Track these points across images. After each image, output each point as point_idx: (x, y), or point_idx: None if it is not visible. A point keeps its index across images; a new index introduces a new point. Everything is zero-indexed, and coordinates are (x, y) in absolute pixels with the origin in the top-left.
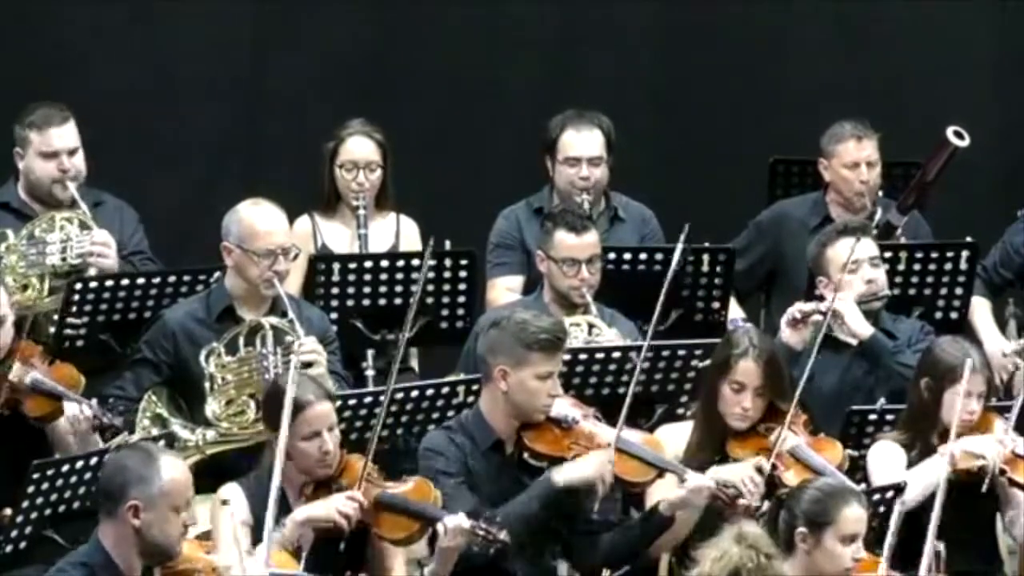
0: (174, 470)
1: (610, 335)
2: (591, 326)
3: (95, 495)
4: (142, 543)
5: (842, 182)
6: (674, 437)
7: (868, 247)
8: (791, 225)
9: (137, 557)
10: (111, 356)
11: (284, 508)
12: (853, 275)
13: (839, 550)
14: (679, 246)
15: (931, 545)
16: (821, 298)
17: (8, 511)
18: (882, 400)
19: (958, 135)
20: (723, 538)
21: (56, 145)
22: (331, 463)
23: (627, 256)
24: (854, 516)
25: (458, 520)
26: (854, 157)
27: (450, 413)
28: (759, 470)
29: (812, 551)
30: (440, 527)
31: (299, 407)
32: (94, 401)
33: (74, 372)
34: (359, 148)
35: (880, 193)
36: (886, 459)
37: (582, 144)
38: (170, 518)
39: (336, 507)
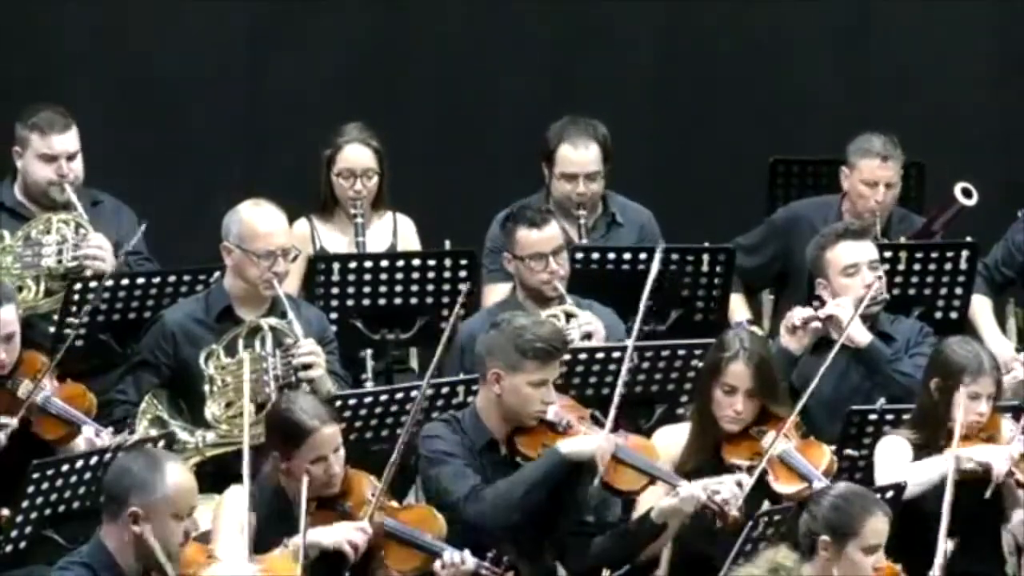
0: (178, 477)
1: (587, 317)
2: (568, 315)
3: (98, 495)
4: (140, 548)
5: (858, 196)
6: (672, 439)
7: (868, 250)
8: (803, 227)
9: (133, 560)
10: (111, 356)
11: (291, 519)
12: (852, 279)
13: (860, 559)
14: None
15: (943, 546)
16: (819, 298)
17: (6, 512)
18: (882, 400)
19: (966, 193)
20: (758, 565)
21: (57, 149)
22: (336, 484)
23: (626, 256)
24: (878, 527)
25: (458, 558)
26: (875, 176)
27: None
28: (739, 484)
29: (833, 559)
30: (438, 563)
31: (305, 433)
32: (110, 429)
33: (86, 394)
34: (356, 156)
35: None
36: (891, 454)
37: (579, 160)
38: (170, 526)
39: (346, 537)
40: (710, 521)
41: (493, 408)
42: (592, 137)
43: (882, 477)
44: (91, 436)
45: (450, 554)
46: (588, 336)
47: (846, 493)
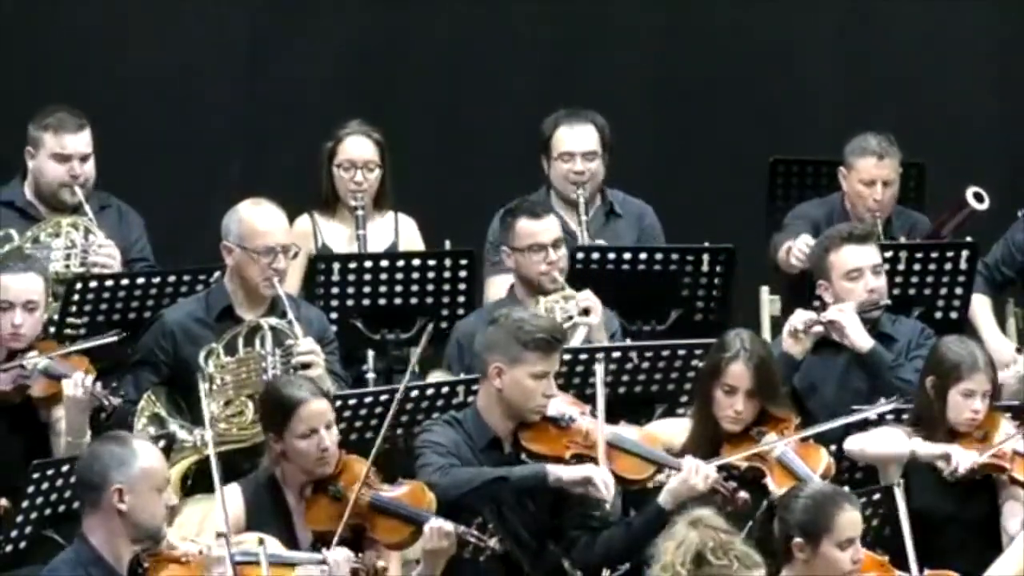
0: (149, 450)
1: (584, 294)
2: (565, 298)
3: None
4: (129, 526)
5: (856, 196)
6: (665, 430)
7: (871, 254)
8: (811, 229)
9: (125, 543)
10: (111, 356)
11: (283, 510)
12: (855, 283)
13: (837, 555)
14: None
15: (911, 544)
16: (820, 299)
17: (5, 502)
18: (882, 400)
19: (978, 197)
20: (677, 526)
21: (70, 149)
22: (330, 461)
23: (626, 256)
24: (849, 521)
25: (441, 523)
26: (872, 175)
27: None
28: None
29: (811, 560)
30: (425, 529)
31: (294, 405)
32: (98, 385)
33: (85, 362)
34: (357, 148)
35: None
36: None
37: (575, 139)
38: (153, 498)
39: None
40: (719, 505)
41: (495, 405)
42: (588, 120)
43: (851, 442)
44: (76, 382)
45: (434, 521)
46: (586, 311)
47: (814, 493)
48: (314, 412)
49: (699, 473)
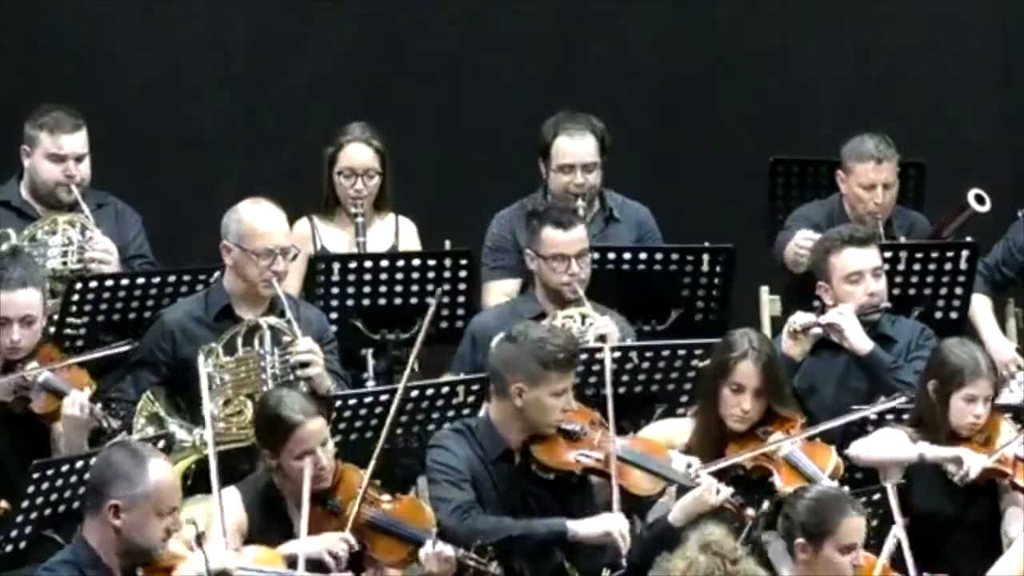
0: (160, 473)
1: (602, 320)
2: (584, 317)
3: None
4: (121, 543)
5: (856, 200)
6: (666, 431)
7: (872, 257)
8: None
9: (116, 556)
10: (112, 356)
11: (283, 518)
12: (855, 286)
13: (838, 559)
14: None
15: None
16: (820, 300)
17: (5, 504)
18: (882, 399)
19: (979, 199)
20: (688, 547)
21: (66, 149)
22: (326, 478)
23: (627, 256)
24: (853, 526)
25: (441, 547)
26: (871, 179)
27: (450, 413)
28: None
29: (811, 561)
30: (422, 553)
31: (289, 428)
32: (98, 406)
33: (84, 376)
34: (357, 155)
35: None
36: (881, 435)
37: (576, 151)
38: (151, 521)
39: (327, 548)
40: (728, 521)
41: (512, 420)
42: (588, 128)
43: (855, 447)
44: (75, 402)
45: (432, 543)
46: (602, 338)
47: (819, 495)
48: (310, 433)
49: (713, 490)
